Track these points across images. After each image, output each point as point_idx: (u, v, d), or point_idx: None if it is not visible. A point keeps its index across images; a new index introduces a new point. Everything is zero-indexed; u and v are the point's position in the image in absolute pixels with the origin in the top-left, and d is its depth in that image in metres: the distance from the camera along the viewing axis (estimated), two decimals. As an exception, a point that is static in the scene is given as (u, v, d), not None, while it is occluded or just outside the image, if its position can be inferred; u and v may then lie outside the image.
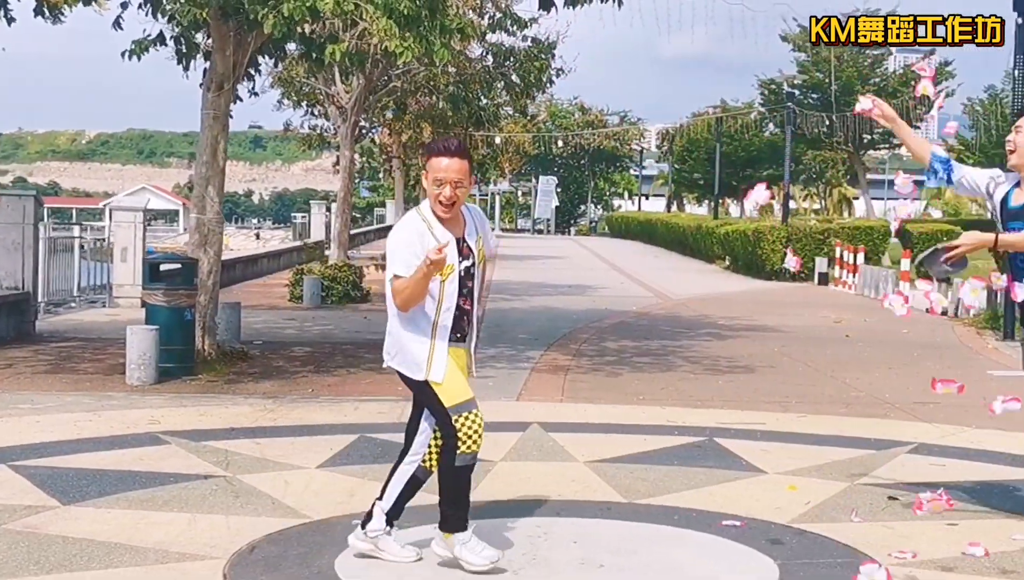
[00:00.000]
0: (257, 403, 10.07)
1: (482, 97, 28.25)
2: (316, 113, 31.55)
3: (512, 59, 24.84)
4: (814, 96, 58.68)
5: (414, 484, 5.52)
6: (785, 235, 30.96)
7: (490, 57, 25.88)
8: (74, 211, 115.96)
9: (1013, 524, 6.42)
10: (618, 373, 12.62)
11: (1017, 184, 5.67)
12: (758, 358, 14.10)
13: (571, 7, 12.56)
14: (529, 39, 24.52)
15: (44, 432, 8.51)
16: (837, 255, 28.50)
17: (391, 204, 53.55)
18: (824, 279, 28.83)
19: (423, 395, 5.36)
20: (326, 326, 16.84)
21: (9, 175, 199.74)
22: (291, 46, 14.24)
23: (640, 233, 56.36)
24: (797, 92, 56.87)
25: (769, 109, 61.64)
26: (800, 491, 7.13)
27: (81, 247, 19.56)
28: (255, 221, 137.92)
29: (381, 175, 62.51)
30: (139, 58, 11.91)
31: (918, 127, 73.37)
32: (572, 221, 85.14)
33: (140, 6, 12.27)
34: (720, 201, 61.60)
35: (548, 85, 25.51)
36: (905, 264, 24.44)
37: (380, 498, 5.54)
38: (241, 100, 13.66)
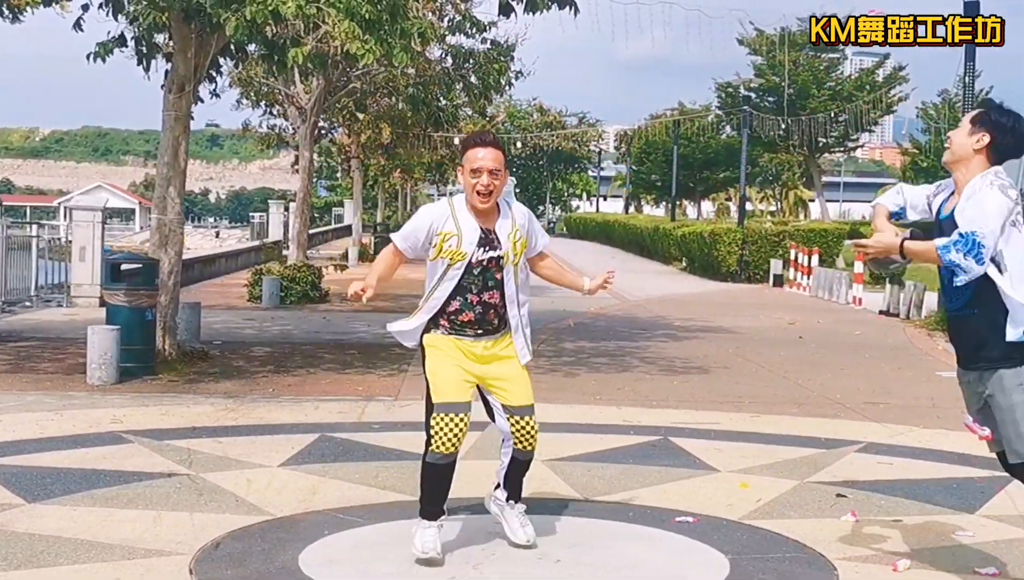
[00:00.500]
0: (218, 403, 10.15)
1: (441, 98, 28.31)
2: (275, 113, 31.51)
3: (471, 61, 24.92)
4: (770, 99, 59.11)
5: (516, 466, 5.86)
6: (741, 237, 31.31)
7: (449, 59, 25.95)
8: (28, 209, 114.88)
9: (957, 520, 6.65)
10: (575, 373, 12.79)
11: (952, 193, 5.12)
12: (713, 359, 14.32)
13: (531, 13, 12.69)
14: (489, 41, 24.63)
15: (6, 431, 8.55)
16: (792, 257, 28.84)
17: (349, 204, 53.47)
18: (779, 281, 29.17)
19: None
20: (285, 326, 16.91)
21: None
22: (252, 48, 14.28)
23: (598, 234, 56.66)
24: (754, 95, 57.36)
25: (726, 112, 62.02)
26: (752, 489, 7.31)
27: (39, 246, 19.51)
28: (212, 220, 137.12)
29: (339, 175, 62.41)
30: (104, 60, 11.95)
31: (872, 131, 74.26)
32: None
33: (100, 7, 12.29)
34: (677, 203, 62.01)
35: (507, 88, 25.61)
36: (859, 266, 24.80)
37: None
38: (203, 101, 13.72)
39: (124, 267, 12.13)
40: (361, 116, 30.76)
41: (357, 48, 10.73)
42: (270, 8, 10.45)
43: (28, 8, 10.60)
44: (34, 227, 21.59)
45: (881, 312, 21.70)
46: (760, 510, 6.81)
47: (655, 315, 20.05)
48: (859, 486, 7.43)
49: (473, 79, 25.65)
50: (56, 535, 5.88)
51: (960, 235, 4.77)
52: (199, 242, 58.32)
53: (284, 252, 32.40)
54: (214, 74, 13.61)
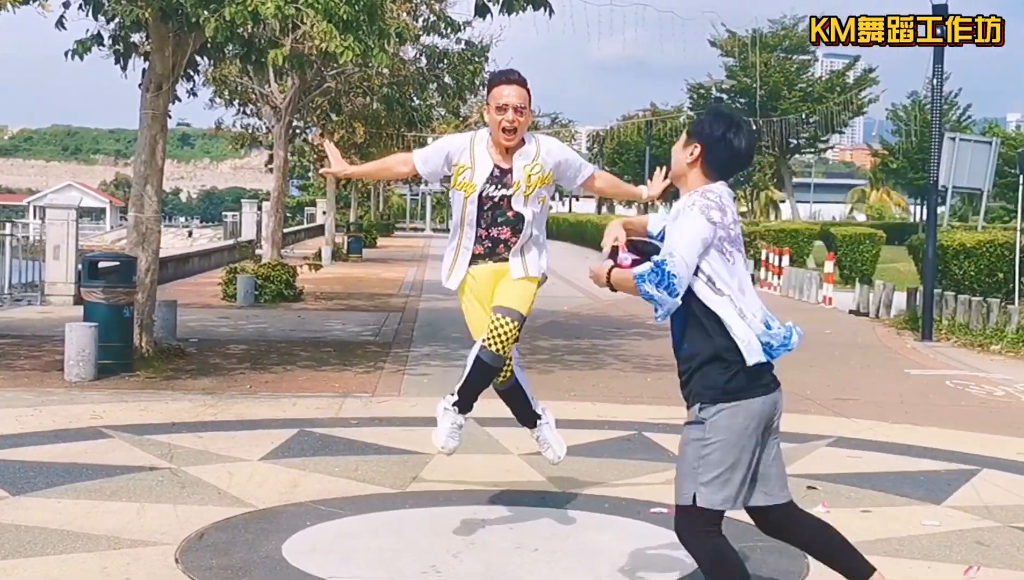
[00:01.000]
0: (197, 399, 10.22)
1: (415, 98, 28.46)
2: (249, 112, 31.56)
3: (446, 61, 25.08)
4: (742, 100, 59.56)
5: (478, 365, 6.17)
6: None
7: (424, 59, 26.10)
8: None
9: (923, 510, 6.83)
10: (550, 370, 12.91)
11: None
12: (686, 357, 14.45)
13: (507, 14, 12.81)
14: (463, 42, 24.79)
15: (-14, 426, 8.61)
16: (763, 257, 29.06)
17: (322, 202, 53.47)
18: (751, 280, 29.41)
19: None
20: (260, 324, 16.96)
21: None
22: (230, 48, 14.35)
23: (571, 234, 56.80)
24: (725, 96, 57.79)
25: (698, 113, 62.39)
26: (724, 481, 7.45)
27: (11, 245, 19.49)
28: (183, 219, 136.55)
29: (311, 174, 62.33)
30: (82, 58, 12.00)
31: (842, 132, 74.81)
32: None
33: (80, 6, 12.33)
34: (650, 204, 62.21)
35: (481, 88, 25.78)
36: (829, 266, 25.06)
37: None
38: (180, 100, 13.77)
39: (102, 265, 12.18)
40: (335, 116, 30.84)
41: (336, 47, 10.83)
42: (249, 9, 10.52)
43: (9, 6, 10.63)
44: (7, 225, 21.54)
45: (851, 311, 21.94)
46: (732, 502, 6.95)
47: (628, 314, 20.17)
48: (829, 479, 7.60)
49: (447, 79, 25.81)
50: (42, 526, 5.97)
51: (655, 264, 4.27)
52: (171, 241, 58.06)
53: (257, 251, 32.45)
54: (192, 73, 13.66)
